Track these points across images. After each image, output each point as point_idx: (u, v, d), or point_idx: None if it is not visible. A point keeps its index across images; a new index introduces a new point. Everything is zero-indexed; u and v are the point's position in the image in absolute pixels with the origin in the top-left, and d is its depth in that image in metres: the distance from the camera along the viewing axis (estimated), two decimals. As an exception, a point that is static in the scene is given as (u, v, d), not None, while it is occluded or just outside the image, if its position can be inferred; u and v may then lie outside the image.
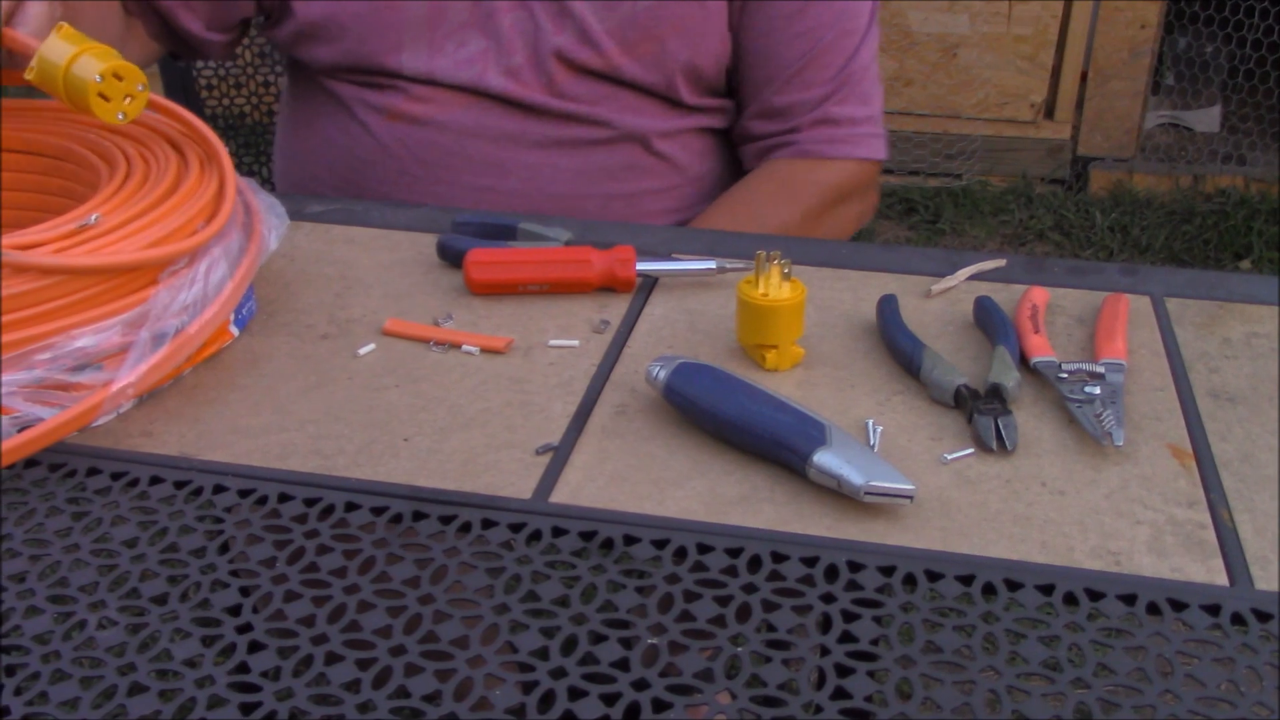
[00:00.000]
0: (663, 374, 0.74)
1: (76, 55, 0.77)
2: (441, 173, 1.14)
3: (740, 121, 1.21)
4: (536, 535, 0.65)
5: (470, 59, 1.11)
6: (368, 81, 1.14)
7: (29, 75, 0.79)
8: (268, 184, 1.69)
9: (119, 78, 0.78)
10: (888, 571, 0.62)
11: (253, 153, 1.69)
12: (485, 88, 1.11)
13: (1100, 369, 0.77)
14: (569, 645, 0.58)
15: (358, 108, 1.15)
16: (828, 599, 0.61)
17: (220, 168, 0.81)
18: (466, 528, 0.66)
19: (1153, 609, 0.60)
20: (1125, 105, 3.13)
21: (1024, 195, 3.14)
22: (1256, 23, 3.06)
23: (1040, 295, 0.85)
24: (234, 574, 0.63)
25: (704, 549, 0.64)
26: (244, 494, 0.68)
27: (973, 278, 0.91)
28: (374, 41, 1.11)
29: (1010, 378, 0.76)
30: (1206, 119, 3.33)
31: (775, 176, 1.18)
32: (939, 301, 0.88)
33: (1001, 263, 0.92)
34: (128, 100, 0.79)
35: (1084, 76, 3.13)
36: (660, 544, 0.64)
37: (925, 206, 3.10)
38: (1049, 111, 3.18)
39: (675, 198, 1.18)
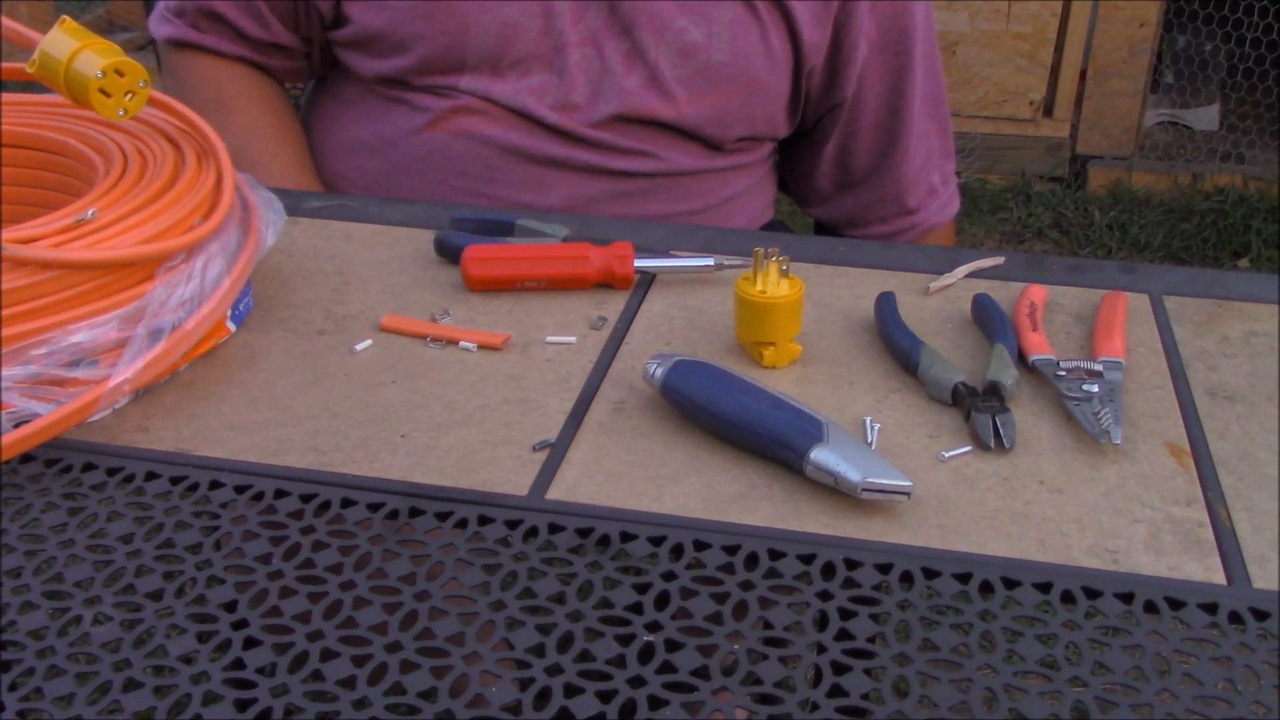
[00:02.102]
0: (660, 371, 0.74)
1: (78, 50, 0.77)
2: (481, 185, 1.13)
3: (852, 201, 1.27)
4: (533, 532, 0.65)
5: (530, 89, 1.10)
6: (418, 88, 1.12)
7: (30, 68, 0.79)
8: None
9: (120, 74, 0.78)
10: (885, 569, 0.62)
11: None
12: (539, 117, 1.10)
13: (1098, 367, 0.77)
14: (565, 642, 0.58)
15: (399, 112, 1.13)
16: (825, 596, 0.61)
17: (218, 163, 0.81)
18: (463, 524, 0.65)
19: (1150, 607, 0.60)
20: (1124, 103, 3.13)
21: (1023, 193, 3.14)
22: (1256, 21, 3.05)
23: (1039, 293, 0.85)
24: (230, 570, 0.63)
25: (701, 546, 0.64)
26: (240, 490, 0.68)
27: (971, 275, 0.91)
28: (436, 64, 1.09)
29: (1008, 375, 0.76)
30: (1205, 117, 3.33)
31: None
32: (937, 299, 0.88)
33: (1000, 260, 0.92)
34: (129, 97, 0.79)
35: (1083, 74, 3.13)
36: (657, 541, 0.64)
37: (924, 204, 3.09)
38: (1048, 109, 3.18)
39: (709, 217, 1.19)
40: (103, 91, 0.77)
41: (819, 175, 1.26)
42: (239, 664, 0.57)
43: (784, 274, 0.79)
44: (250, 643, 0.58)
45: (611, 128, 1.11)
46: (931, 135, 1.24)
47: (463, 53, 1.08)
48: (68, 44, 0.77)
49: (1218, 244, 2.93)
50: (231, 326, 0.81)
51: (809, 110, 1.20)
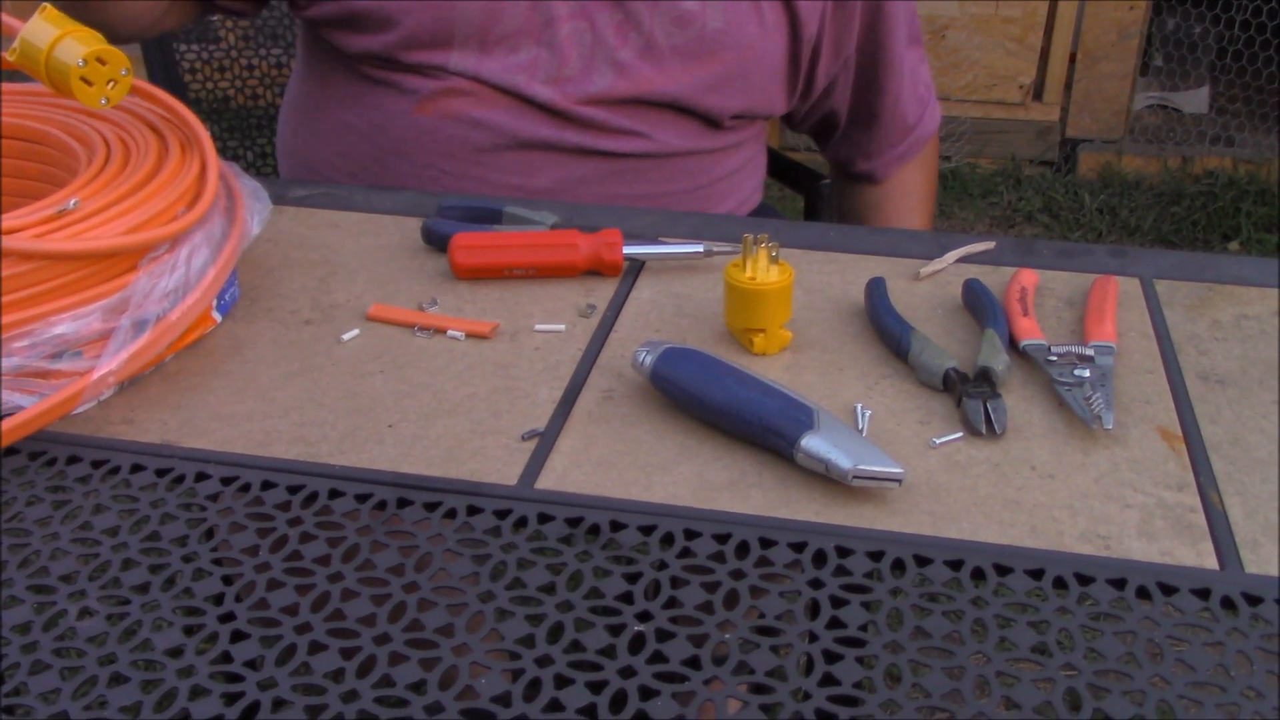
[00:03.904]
0: (649, 359, 0.73)
1: (59, 38, 0.76)
2: (470, 169, 1.12)
3: (862, 137, 1.29)
4: (522, 522, 0.64)
5: (520, 66, 1.08)
6: (405, 68, 1.11)
7: (11, 57, 0.78)
8: (252, 168, 1.68)
9: (102, 62, 0.77)
10: (876, 557, 0.62)
11: (237, 136, 1.68)
12: (530, 95, 1.09)
13: (1089, 352, 0.77)
14: (555, 633, 0.57)
15: (386, 95, 1.11)
16: (816, 585, 0.60)
17: (202, 152, 0.80)
18: (451, 514, 0.65)
19: (1142, 593, 0.60)
20: (1114, 87, 3.13)
21: (1013, 177, 3.14)
22: (1245, 3, 3.05)
23: (1029, 277, 0.85)
24: (216, 562, 0.62)
25: (691, 535, 0.63)
26: (226, 481, 0.67)
27: (961, 260, 0.90)
28: (423, 38, 1.08)
29: (999, 361, 0.75)
30: (1195, 100, 3.33)
31: (926, 171, 1.33)
32: (927, 284, 0.88)
33: (990, 245, 0.91)
34: (111, 85, 0.78)
35: (1073, 58, 3.12)
36: (647, 530, 0.64)
37: (914, 189, 3.09)
38: (1038, 93, 3.17)
39: (699, 197, 1.18)
40: (84, 80, 0.76)
41: (835, 122, 1.29)
42: (226, 657, 0.56)
43: (774, 260, 0.78)
44: (238, 635, 0.58)
45: (604, 106, 1.10)
46: (912, 50, 1.25)
47: (450, 27, 1.07)
48: (49, 32, 0.76)
49: (1208, 227, 2.93)
50: (217, 317, 0.80)
51: (818, 79, 1.20)
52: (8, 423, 0.68)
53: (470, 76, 1.09)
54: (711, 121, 1.14)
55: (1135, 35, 3.06)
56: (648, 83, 1.10)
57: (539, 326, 0.82)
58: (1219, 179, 3.06)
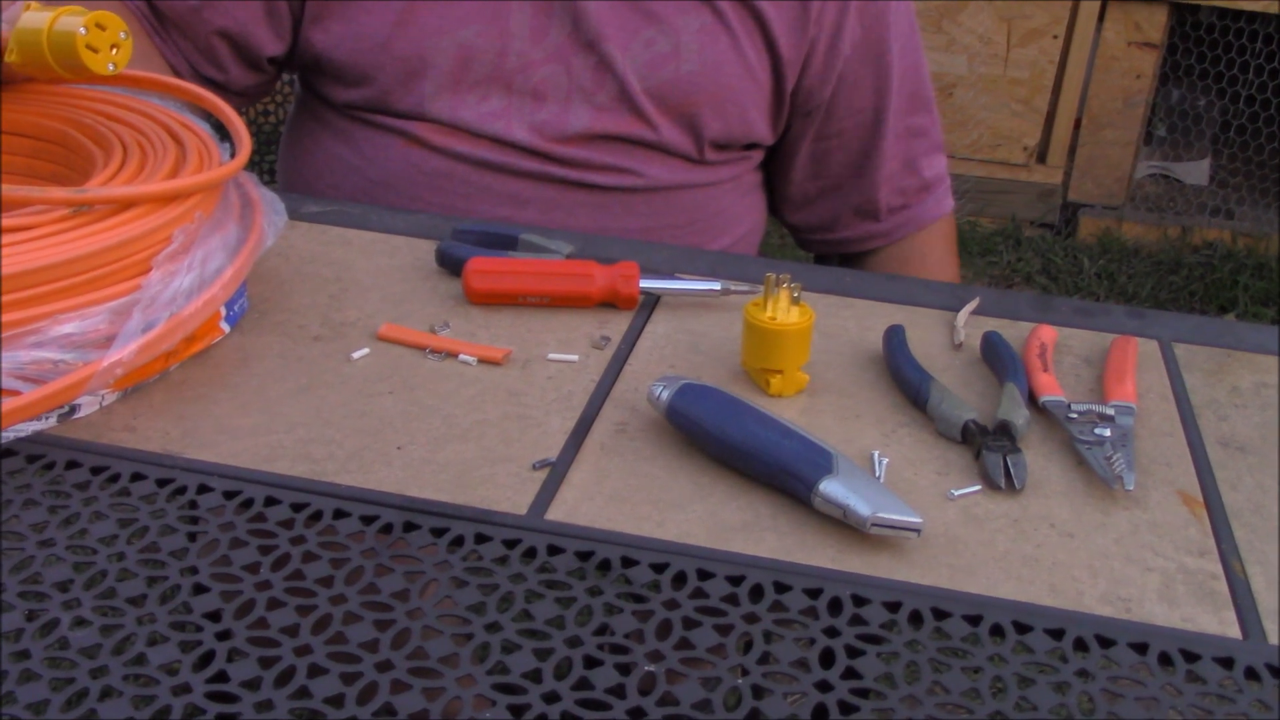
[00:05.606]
0: (666, 394, 0.72)
1: (55, 17, 0.77)
2: (458, 201, 1.12)
3: (841, 216, 1.24)
4: (531, 552, 0.63)
5: (494, 114, 1.09)
6: (391, 113, 1.11)
7: (10, 58, 0.78)
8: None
9: (102, 27, 0.78)
10: (893, 607, 0.60)
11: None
12: (511, 139, 1.09)
13: (1110, 411, 0.76)
14: (563, 668, 0.56)
15: (376, 133, 1.12)
16: (831, 633, 0.59)
17: (217, 157, 0.79)
18: (459, 541, 0.63)
19: (1165, 659, 0.59)
20: (1117, 154, 3.14)
21: (1013, 238, 3.14)
22: (1250, 79, 3.07)
23: (1048, 334, 0.84)
24: (216, 578, 0.60)
25: (705, 575, 0.62)
26: (229, 495, 0.65)
27: (976, 313, 0.89)
28: (397, 92, 1.09)
29: (1019, 415, 0.74)
30: (1195, 172, 3.34)
31: (926, 260, 1.25)
32: (945, 334, 0.86)
33: (976, 301, 0.89)
34: (114, 51, 0.78)
35: (1078, 123, 3.14)
36: (659, 568, 0.62)
37: (914, 244, 3.09)
38: (1041, 156, 3.19)
39: (692, 233, 1.17)
40: (90, 48, 0.77)
41: (792, 182, 1.23)
42: (222, 676, 0.54)
43: (795, 301, 0.77)
44: (235, 654, 0.56)
45: (586, 144, 1.10)
46: (913, 138, 1.22)
47: (421, 81, 1.08)
48: (42, 16, 0.77)
49: (1205, 298, 2.93)
50: (225, 328, 0.79)
51: (783, 111, 1.17)
52: (14, 402, 0.66)
53: (449, 123, 1.09)
54: (691, 158, 1.13)
55: (1140, 104, 3.08)
56: (624, 127, 1.09)
57: (552, 356, 0.81)
58: (1218, 251, 3.08)
